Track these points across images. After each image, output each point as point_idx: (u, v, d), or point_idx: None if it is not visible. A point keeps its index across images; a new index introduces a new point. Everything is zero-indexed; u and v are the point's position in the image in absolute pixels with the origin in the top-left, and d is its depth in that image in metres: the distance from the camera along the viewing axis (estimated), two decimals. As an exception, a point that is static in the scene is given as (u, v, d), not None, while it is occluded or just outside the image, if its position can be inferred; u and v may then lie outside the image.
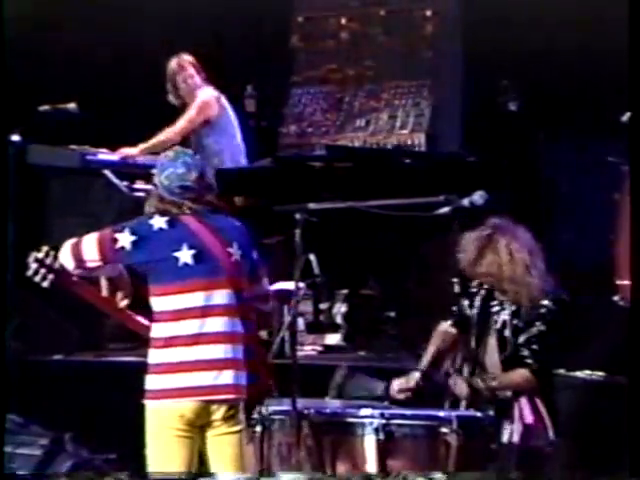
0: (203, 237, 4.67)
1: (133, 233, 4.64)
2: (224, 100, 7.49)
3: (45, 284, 4.77)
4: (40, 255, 4.78)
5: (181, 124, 7.37)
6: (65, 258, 4.69)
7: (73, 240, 4.71)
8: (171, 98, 7.51)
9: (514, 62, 7.51)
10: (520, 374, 5.42)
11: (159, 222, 4.67)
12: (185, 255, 4.63)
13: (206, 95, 7.43)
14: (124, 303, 4.81)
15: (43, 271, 4.77)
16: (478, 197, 5.68)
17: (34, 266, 4.78)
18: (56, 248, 4.81)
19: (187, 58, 7.49)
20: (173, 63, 7.49)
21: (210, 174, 4.86)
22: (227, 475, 4.67)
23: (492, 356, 5.47)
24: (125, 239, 4.63)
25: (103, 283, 4.79)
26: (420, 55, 8.25)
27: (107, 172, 7.44)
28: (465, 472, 5.05)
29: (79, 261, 4.67)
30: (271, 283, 6.97)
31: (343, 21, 8.49)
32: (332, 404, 5.56)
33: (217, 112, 7.42)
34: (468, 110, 8.01)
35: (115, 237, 4.65)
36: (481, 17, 7.88)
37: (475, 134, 7.79)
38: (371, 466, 5.17)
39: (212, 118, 7.41)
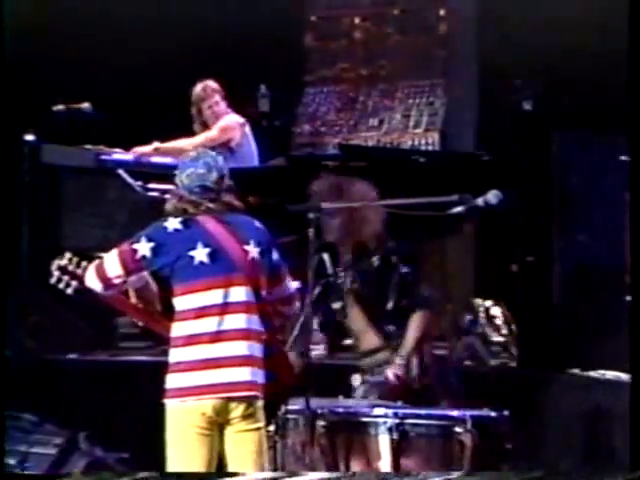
0: (218, 235, 4.69)
1: (150, 240, 4.67)
2: (248, 129, 7.44)
3: (69, 291, 4.79)
4: (63, 262, 4.81)
5: (200, 139, 7.34)
6: (92, 282, 4.72)
7: (95, 263, 4.73)
8: (195, 125, 7.46)
9: (528, 61, 7.50)
10: (414, 321, 5.46)
11: (173, 224, 4.70)
12: (200, 253, 4.65)
13: (231, 119, 7.41)
14: (153, 309, 4.83)
15: (66, 278, 4.79)
16: (492, 196, 5.67)
17: (57, 274, 4.81)
18: (79, 255, 4.83)
19: (212, 85, 7.43)
20: (199, 89, 7.43)
21: (228, 176, 4.87)
22: (253, 474, 4.68)
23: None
24: (144, 248, 4.66)
25: (131, 293, 4.81)
26: (434, 54, 8.25)
27: (121, 172, 7.44)
28: (481, 472, 5.05)
29: (106, 281, 4.70)
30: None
31: (357, 20, 8.49)
32: (346, 403, 5.56)
33: (239, 139, 7.39)
34: (482, 109, 8.00)
35: (134, 248, 4.68)
36: (495, 16, 7.87)
37: (489, 133, 7.78)
38: (385, 465, 5.18)
39: (233, 143, 7.37)
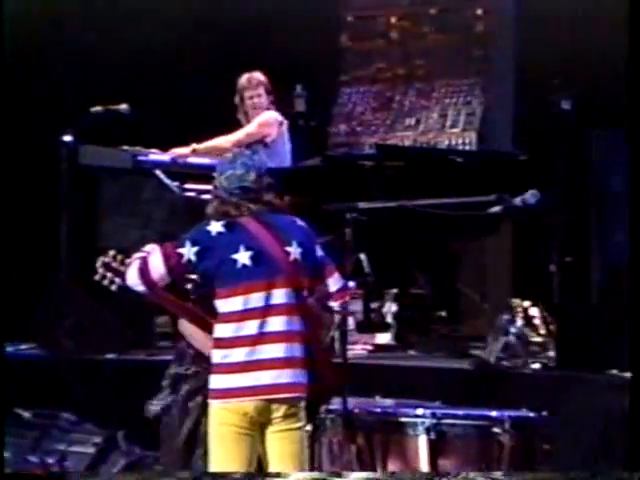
0: (260, 237, 4.70)
1: (194, 244, 4.69)
2: (285, 128, 7.44)
3: (113, 288, 4.82)
4: (107, 259, 4.84)
5: (239, 135, 7.35)
6: (134, 282, 4.73)
7: (135, 265, 4.73)
8: (239, 115, 7.49)
9: (566, 60, 7.45)
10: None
11: (216, 227, 4.71)
12: (243, 257, 4.66)
13: (270, 116, 7.40)
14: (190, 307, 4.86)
15: (110, 275, 4.82)
16: (530, 196, 5.65)
17: (101, 270, 4.84)
18: (122, 252, 4.86)
19: (259, 76, 7.42)
20: (244, 78, 7.43)
21: (267, 175, 4.87)
22: (294, 475, 4.69)
23: None
24: (189, 252, 4.68)
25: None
26: (471, 53, 8.21)
27: (158, 172, 7.47)
28: (520, 472, 5.02)
29: (149, 282, 4.72)
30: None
31: (393, 20, 8.47)
32: (383, 403, 5.55)
33: (275, 136, 7.38)
34: (520, 109, 7.97)
35: (179, 252, 4.69)
36: (533, 15, 7.83)
37: (527, 133, 7.74)
38: (422, 466, 5.16)
39: (268, 139, 7.37)
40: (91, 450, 6.30)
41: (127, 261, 4.81)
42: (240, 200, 4.73)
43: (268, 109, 7.40)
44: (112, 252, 4.84)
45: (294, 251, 4.72)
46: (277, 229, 4.73)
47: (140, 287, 4.72)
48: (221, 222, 4.71)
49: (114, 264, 4.82)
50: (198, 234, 4.72)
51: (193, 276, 4.82)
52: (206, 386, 4.75)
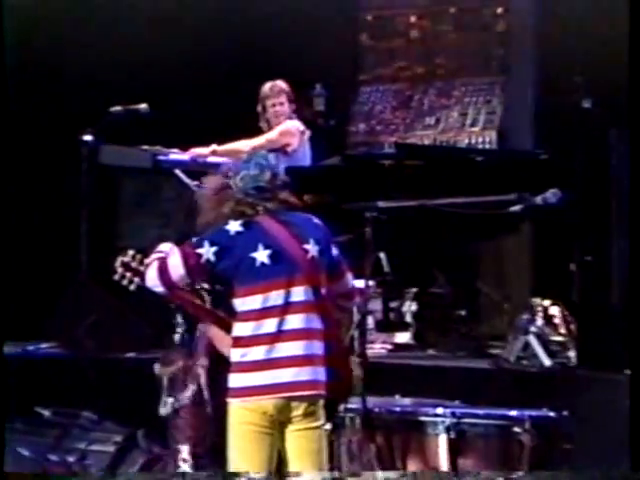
0: (278, 236, 4.70)
1: (213, 244, 4.69)
2: (307, 137, 7.43)
3: (132, 287, 4.83)
4: (126, 259, 4.85)
5: (260, 140, 7.34)
6: (153, 283, 4.74)
7: (155, 266, 4.74)
8: (261, 123, 7.47)
9: (587, 58, 7.42)
10: None
11: (234, 226, 4.72)
12: (261, 255, 4.67)
13: (292, 125, 7.39)
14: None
15: (129, 275, 4.84)
16: (551, 195, 5.62)
17: (120, 270, 4.85)
18: (142, 251, 4.87)
19: (281, 85, 7.41)
20: (266, 87, 7.41)
21: (282, 174, 4.88)
22: (313, 475, 4.68)
23: None
24: (208, 252, 4.68)
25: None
26: (491, 52, 8.20)
27: (178, 172, 7.48)
28: (541, 472, 5.00)
29: (169, 283, 4.73)
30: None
31: (412, 19, 8.47)
32: (402, 402, 5.54)
33: (296, 145, 7.37)
34: (540, 107, 7.94)
35: (198, 252, 4.69)
36: (553, 13, 7.81)
37: (548, 131, 7.71)
38: (442, 465, 5.15)
39: (290, 148, 7.36)
40: (111, 449, 6.31)
41: (146, 261, 4.82)
42: (255, 200, 4.74)
43: (290, 118, 7.38)
44: (131, 252, 4.86)
45: (312, 249, 4.72)
46: (294, 227, 4.73)
47: (159, 288, 4.73)
48: (239, 221, 4.72)
49: (133, 264, 4.83)
50: (216, 234, 4.72)
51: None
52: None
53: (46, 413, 6.63)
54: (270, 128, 7.42)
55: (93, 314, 7.00)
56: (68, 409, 6.63)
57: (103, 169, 7.51)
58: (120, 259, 4.86)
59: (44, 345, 7.29)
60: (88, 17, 8.33)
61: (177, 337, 5.83)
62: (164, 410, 5.36)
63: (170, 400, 5.42)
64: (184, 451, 5.57)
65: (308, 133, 7.41)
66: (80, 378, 6.76)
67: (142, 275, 4.79)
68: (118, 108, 7.36)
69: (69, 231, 7.58)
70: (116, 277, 4.85)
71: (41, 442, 6.46)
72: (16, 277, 8.10)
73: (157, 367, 5.51)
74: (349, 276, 4.89)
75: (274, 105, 7.37)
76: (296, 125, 7.38)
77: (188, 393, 5.52)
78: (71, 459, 6.34)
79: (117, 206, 7.77)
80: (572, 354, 6.47)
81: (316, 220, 4.82)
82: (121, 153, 7.54)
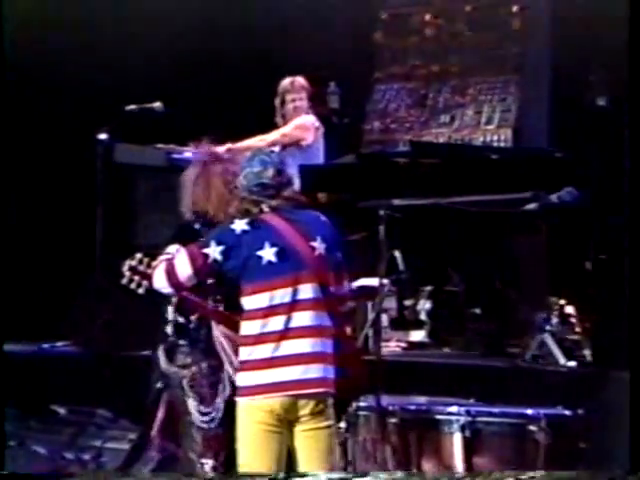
0: (285, 234, 4.69)
1: (219, 243, 4.69)
2: (321, 133, 7.41)
3: (140, 291, 4.84)
4: (133, 263, 4.86)
5: (274, 135, 7.33)
6: (161, 285, 4.75)
7: (162, 268, 4.75)
8: (277, 118, 7.45)
9: (602, 57, 7.40)
10: None
11: (240, 225, 4.71)
12: (268, 253, 4.66)
13: (308, 120, 7.37)
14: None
15: (137, 278, 4.84)
16: (566, 194, 5.61)
17: (128, 274, 4.86)
18: (151, 252, 4.87)
19: (302, 81, 7.40)
20: (287, 81, 7.38)
21: (287, 170, 4.85)
22: (320, 475, 4.67)
23: None
24: (214, 251, 4.68)
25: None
26: (507, 50, 8.18)
27: (192, 170, 7.47)
28: (556, 471, 4.99)
29: (177, 284, 4.74)
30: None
31: (427, 17, 8.45)
32: (417, 401, 5.53)
33: (311, 141, 7.36)
34: (555, 105, 7.92)
35: (205, 252, 4.69)
36: (568, 12, 7.78)
37: (563, 129, 7.69)
38: (457, 463, 5.14)
39: (304, 143, 7.35)
40: (126, 446, 6.32)
41: (153, 264, 4.82)
42: (259, 197, 4.73)
43: (307, 113, 7.38)
44: (139, 255, 4.86)
45: (319, 246, 4.71)
46: (301, 224, 4.72)
47: (168, 290, 4.75)
48: (245, 220, 4.71)
49: (141, 267, 4.84)
50: (222, 233, 4.72)
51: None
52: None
53: (61, 411, 6.64)
54: (285, 123, 7.40)
55: (108, 312, 7.01)
56: (83, 407, 6.64)
57: (118, 167, 7.51)
58: (127, 263, 4.87)
59: (59, 343, 7.31)
60: (104, 14, 8.34)
61: (171, 329, 5.73)
62: (198, 419, 5.22)
63: (203, 409, 5.31)
64: (207, 465, 5.44)
65: (322, 129, 7.40)
66: (95, 376, 6.77)
67: (150, 278, 4.80)
68: (133, 106, 7.37)
69: (84, 230, 7.59)
70: (124, 281, 4.86)
71: (56, 440, 6.47)
72: (31, 276, 8.13)
73: (166, 364, 5.43)
74: (346, 280, 4.87)
75: (294, 100, 7.36)
76: (311, 120, 7.37)
77: (220, 400, 5.40)
78: (86, 457, 6.35)
79: (132, 204, 7.78)
80: (587, 352, 6.45)
81: (323, 218, 4.81)
82: (136, 151, 7.55)
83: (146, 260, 4.85)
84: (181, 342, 5.53)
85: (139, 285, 4.84)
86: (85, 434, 6.47)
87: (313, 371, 4.62)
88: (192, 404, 5.31)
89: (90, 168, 7.39)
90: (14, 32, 7.18)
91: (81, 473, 6.13)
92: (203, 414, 5.33)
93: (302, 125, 7.32)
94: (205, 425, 5.31)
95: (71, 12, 8.22)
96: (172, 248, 4.82)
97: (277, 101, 7.39)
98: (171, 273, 4.71)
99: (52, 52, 8.19)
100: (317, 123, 7.37)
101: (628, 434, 5.74)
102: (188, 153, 7.60)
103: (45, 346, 7.27)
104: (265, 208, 4.73)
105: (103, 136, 7.32)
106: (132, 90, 7.80)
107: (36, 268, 8.16)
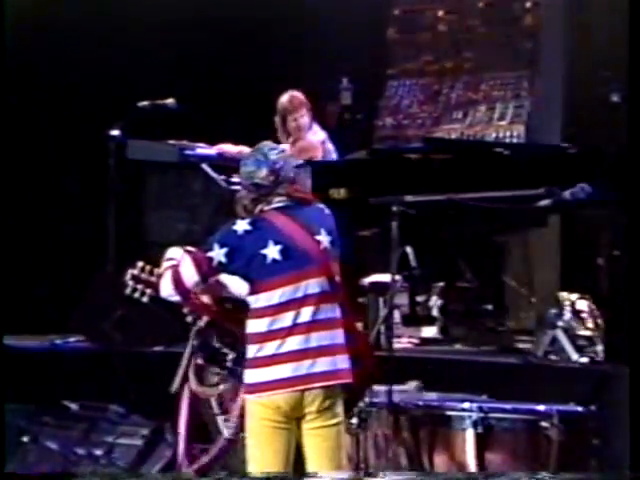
0: (288, 230, 4.68)
1: (223, 245, 4.68)
2: (328, 145, 7.37)
3: (145, 299, 4.84)
4: (135, 272, 4.86)
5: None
6: (168, 292, 4.74)
7: (168, 276, 4.73)
8: (279, 134, 7.40)
9: (616, 52, 7.37)
10: None
11: (242, 225, 4.70)
12: (272, 251, 4.65)
13: (312, 141, 7.28)
14: (223, 307, 4.86)
15: (141, 287, 4.84)
16: (580, 190, 5.59)
17: (131, 283, 4.86)
18: (151, 263, 4.87)
19: (299, 97, 7.34)
20: (285, 100, 7.31)
21: (285, 169, 4.78)
22: (329, 475, 4.66)
23: None
24: (218, 254, 4.68)
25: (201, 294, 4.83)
26: (520, 46, 8.15)
27: (204, 166, 7.48)
28: (569, 468, 4.97)
29: (184, 291, 4.74)
30: (367, 275, 6.99)
31: (440, 13, 8.43)
32: (429, 397, 5.52)
33: (320, 157, 7.32)
34: (569, 101, 7.89)
35: (209, 256, 4.69)
36: (582, 7, 7.76)
37: (576, 125, 7.67)
38: (469, 460, 5.13)
39: (314, 159, 7.31)
40: (139, 442, 6.32)
41: (156, 271, 4.82)
42: (256, 195, 4.71)
43: (310, 127, 7.29)
44: (140, 264, 4.86)
45: (324, 239, 4.70)
46: (304, 220, 4.70)
47: (175, 297, 4.74)
48: (247, 220, 4.70)
49: (143, 276, 4.84)
50: (225, 235, 4.71)
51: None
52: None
53: (73, 407, 6.65)
54: (290, 140, 7.33)
55: (120, 307, 7.02)
56: (95, 403, 6.64)
57: (130, 163, 7.52)
58: (130, 272, 4.86)
59: (72, 339, 7.32)
60: (120, 12, 8.35)
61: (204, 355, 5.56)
62: (228, 432, 5.14)
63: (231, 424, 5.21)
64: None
65: (327, 138, 7.32)
66: (107, 371, 6.78)
67: (153, 286, 4.79)
68: (145, 103, 7.37)
69: (96, 225, 7.60)
70: (127, 291, 4.86)
71: (69, 436, 6.48)
72: (44, 271, 8.16)
73: (196, 385, 5.25)
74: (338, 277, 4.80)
75: (295, 119, 7.25)
76: (317, 138, 7.30)
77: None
78: (98, 452, 6.35)
79: (144, 200, 7.79)
80: (599, 348, 6.43)
81: (327, 211, 4.79)
82: (148, 148, 7.56)
83: (148, 268, 4.84)
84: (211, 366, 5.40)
85: (143, 294, 4.84)
86: (97, 430, 6.47)
87: (320, 365, 4.61)
88: (220, 420, 5.26)
89: (103, 164, 7.40)
90: (25, 28, 7.21)
91: (85, 473, 6.12)
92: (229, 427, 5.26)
93: (308, 147, 7.22)
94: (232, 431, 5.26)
95: (84, 6, 8.23)
96: (174, 252, 4.81)
97: (277, 119, 7.30)
98: (178, 281, 4.70)
99: (65, 48, 8.20)
100: (322, 136, 7.28)
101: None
102: (200, 149, 7.63)
103: (58, 342, 7.29)
104: (263, 206, 4.72)
105: (115, 132, 7.33)
106: (145, 86, 7.81)
107: (49, 264, 8.18)
